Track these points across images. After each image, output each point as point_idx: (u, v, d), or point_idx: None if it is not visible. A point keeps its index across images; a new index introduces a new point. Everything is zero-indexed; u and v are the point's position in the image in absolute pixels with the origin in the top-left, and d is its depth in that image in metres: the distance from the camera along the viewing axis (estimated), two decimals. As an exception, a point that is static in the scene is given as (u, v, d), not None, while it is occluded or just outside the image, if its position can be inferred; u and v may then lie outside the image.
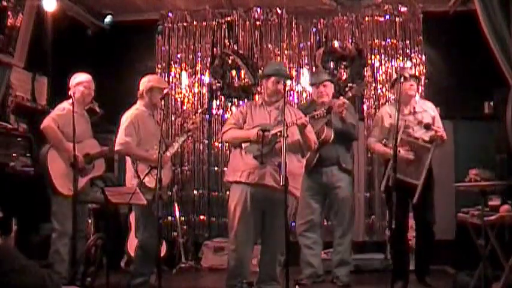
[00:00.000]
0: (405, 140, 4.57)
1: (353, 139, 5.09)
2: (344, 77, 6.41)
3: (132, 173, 4.38)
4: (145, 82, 4.58)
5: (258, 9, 6.59)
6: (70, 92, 4.54)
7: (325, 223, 5.75)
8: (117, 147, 4.40)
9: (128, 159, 4.49)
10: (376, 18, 6.41)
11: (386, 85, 6.34)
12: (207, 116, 6.60)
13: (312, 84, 5.17)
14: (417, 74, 6.17)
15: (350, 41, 6.44)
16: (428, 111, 4.79)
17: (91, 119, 4.87)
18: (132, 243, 5.64)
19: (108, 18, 6.31)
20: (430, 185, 4.70)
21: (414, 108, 4.76)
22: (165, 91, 4.53)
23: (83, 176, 4.50)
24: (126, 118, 4.46)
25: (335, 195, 4.95)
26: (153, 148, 4.37)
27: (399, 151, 4.42)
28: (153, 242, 4.21)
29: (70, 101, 4.58)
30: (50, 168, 4.43)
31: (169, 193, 6.03)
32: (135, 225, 4.61)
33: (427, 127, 4.62)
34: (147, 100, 4.51)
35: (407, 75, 5.45)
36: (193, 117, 5.10)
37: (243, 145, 4.20)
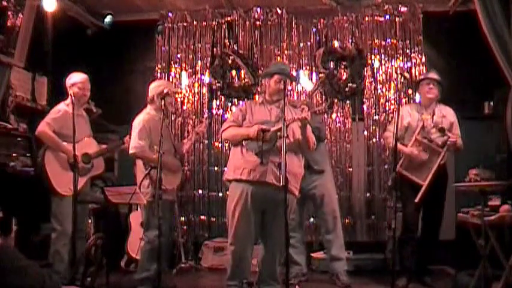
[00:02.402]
0: (419, 140, 4.71)
1: (319, 140, 4.86)
2: (344, 77, 6.41)
3: (142, 174, 4.45)
4: (156, 87, 4.66)
5: (258, 9, 6.59)
6: (69, 92, 4.56)
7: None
8: (131, 151, 4.49)
9: (139, 163, 4.56)
10: (376, 18, 6.41)
11: (386, 85, 6.35)
12: (205, 116, 6.61)
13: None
14: (417, 74, 6.19)
15: (350, 41, 6.44)
16: (448, 116, 4.89)
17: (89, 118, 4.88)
18: (132, 243, 5.66)
19: (108, 18, 6.30)
20: (443, 187, 4.82)
21: (434, 111, 4.87)
22: (165, 91, 4.55)
23: (81, 176, 4.50)
24: (138, 122, 4.55)
25: (312, 195, 4.99)
26: (169, 152, 4.56)
27: (412, 151, 4.69)
28: (161, 240, 4.31)
29: (67, 101, 4.59)
30: (47, 169, 4.43)
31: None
32: (144, 223, 4.61)
33: (442, 131, 4.73)
34: (157, 104, 4.55)
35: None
36: (202, 120, 5.27)
37: (244, 142, 4.19)
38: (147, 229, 4.52)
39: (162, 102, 4.47)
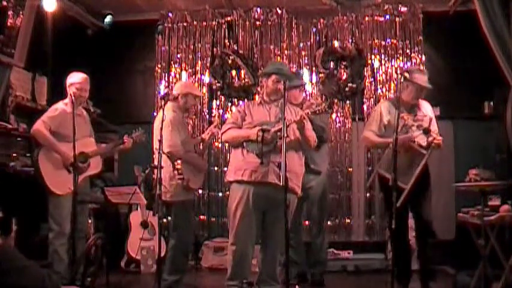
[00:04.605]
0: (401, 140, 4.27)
1: (322, 141, 4.85)
2: (344, 77, 6.41)
3: (170, 174, 4.33)
4: (181, 87, 4.69)
5: (258, 9, 6.60)
6: (68, 91, 4.56)
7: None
8: (168, 149, 4.28)
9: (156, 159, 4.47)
10: (376, 18, 6.42)
11: (386, 85, 6.36)
12: (207, 116, 6.61)
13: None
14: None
15: (350, 41, 6.45)
16: (427, 112, 4.57)
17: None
18: (132, 243, 5.66)
19: (108, 18, 6.31)
20: (427, 185, 4.52)
21: (415, 109, 4.52)
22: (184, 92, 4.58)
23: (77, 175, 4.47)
24: (169, 120, 4.38)
25: (307, 196, 4.95)
26: (192, 151, 4.62)
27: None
28: (189, 239, 4.57)
29: (65, 100, 4.58)
30: (42, 169, 4.41)
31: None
32: (172, 224, 4.55)
33: (426, 132, 4.37)
34: (181, 104, 4.55)
35: (407, 75, 5.37)
36: (214, 119, 5.33)
37: (244, 143, 4.18)
38: (176, 229, 4.47)
39: (183, 101, 4.51)
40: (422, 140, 4.36)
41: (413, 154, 4.32)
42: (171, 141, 4.33)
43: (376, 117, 4.64)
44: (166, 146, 4.29)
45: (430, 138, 4.32)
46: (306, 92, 5.62)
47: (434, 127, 4.49)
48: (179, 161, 4.31)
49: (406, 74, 4.90)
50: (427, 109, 4.58)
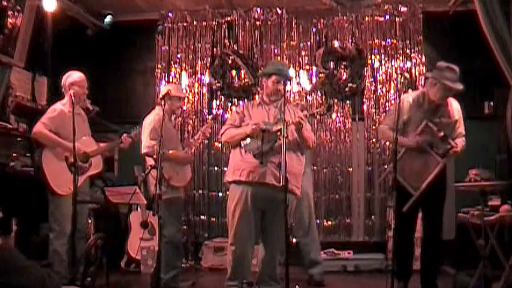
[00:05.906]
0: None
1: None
2: (344, 77, 6.41)
3: (145, 175, 4.54)
4: (164, 90, 4.71)
5: (258, 9, 6.60)
6: (67, 91, 4.54)
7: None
8: (144, 150, 4.54)
9: (150, 162, 4.56)
10: (376, 18, 6.42)
11: (387, 85, 6.36)
12: (207, 116, 6.62)
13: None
14: (417, 74, 6.21)
15: (350, 41, 6.44)
16: (454, 114, 4.30)
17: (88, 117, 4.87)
18: (132, 243, 5.66)
19: (108, 18, 6.32)
20: (442, 189, 4.34)
21: (440, 110, 4.26)
22: (169, 93, 4.58)
23: (79, 175, 4.47)
24: (148, 123, 4.61)
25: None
26: (179, 150, 4.70)
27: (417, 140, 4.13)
28: (180, 236, 4.69)
29: (63, 101, 4.57)
30: (45, 169, 4.41)
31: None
32: (162, 222, 4.58)
33: (443, 139, 4.14)
34: (166, 107, 4.57)
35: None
36: (208, 121, 5.38)
37: (242, 143, 4.18)
38: (166, 227, 4.46)
39: (162, 102, 4.49)
40: (441, 144, 4.16)
41: (428, 159, 4.16)
42: (146, 142, 4.54)
43: (395, 111, 4.23)
44: (143, 147, 4.56)
45: (448, 147, 4.12)
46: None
47: (460, 129, 4.29)
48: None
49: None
50: (454, 110, 4.30)
